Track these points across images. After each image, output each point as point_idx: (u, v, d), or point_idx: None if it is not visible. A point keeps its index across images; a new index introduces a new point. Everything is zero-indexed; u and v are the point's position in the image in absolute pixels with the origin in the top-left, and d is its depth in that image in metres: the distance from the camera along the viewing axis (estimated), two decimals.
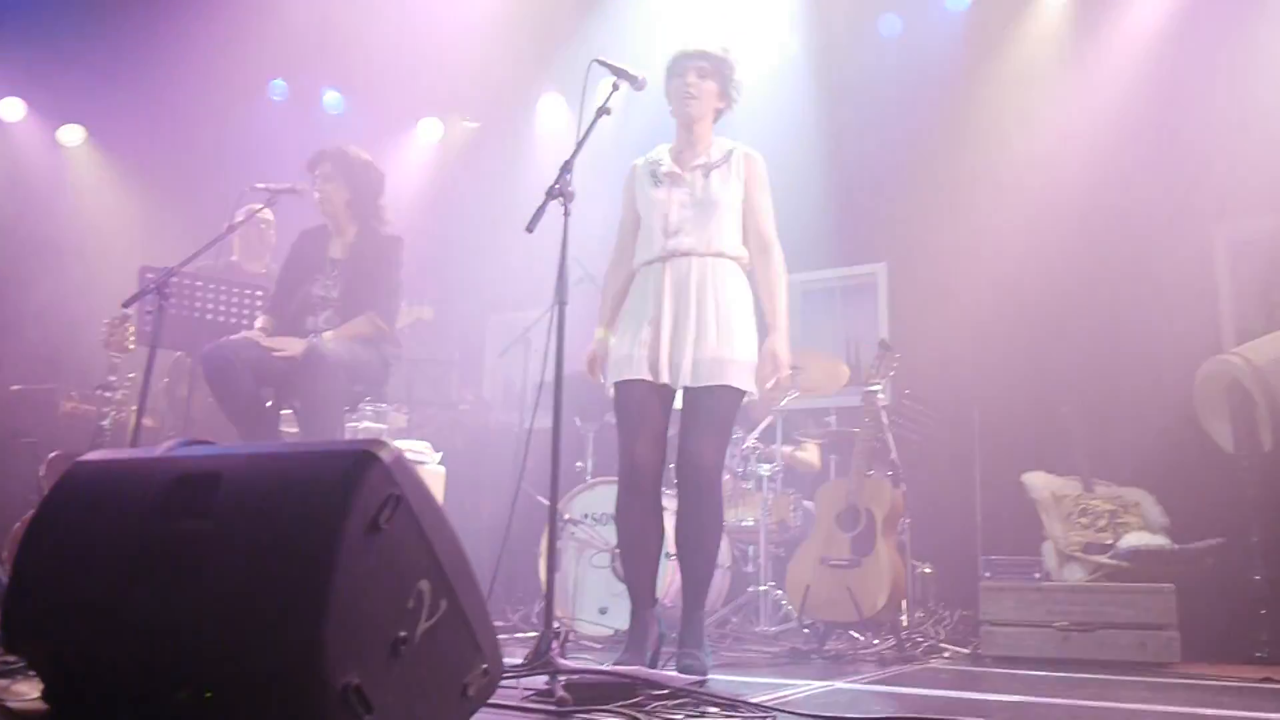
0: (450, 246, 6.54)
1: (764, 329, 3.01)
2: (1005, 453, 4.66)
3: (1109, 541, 4.12)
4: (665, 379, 2.88)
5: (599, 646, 3.78)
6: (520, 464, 2.80)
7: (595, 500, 4.23)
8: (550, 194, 2.60)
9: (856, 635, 3.80)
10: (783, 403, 4.34)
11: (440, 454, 3.94)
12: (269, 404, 3.51)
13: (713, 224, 2.96)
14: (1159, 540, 4.04)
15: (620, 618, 3.95)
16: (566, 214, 2.66)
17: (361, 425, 3.94)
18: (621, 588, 4.01)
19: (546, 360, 2.65)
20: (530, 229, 2.53)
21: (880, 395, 4.04)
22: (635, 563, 2.87)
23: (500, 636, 1.72)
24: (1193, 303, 5.11)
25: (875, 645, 3.75)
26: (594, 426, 4.77)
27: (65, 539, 1.68)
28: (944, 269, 5.54)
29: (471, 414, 5.53)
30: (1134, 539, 4.05)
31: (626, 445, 2.92)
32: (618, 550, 4.05)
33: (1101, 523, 4.25)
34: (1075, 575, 4.03)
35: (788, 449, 4.62)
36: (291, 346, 3.47)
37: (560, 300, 2.58)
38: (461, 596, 1.63)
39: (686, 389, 2.89)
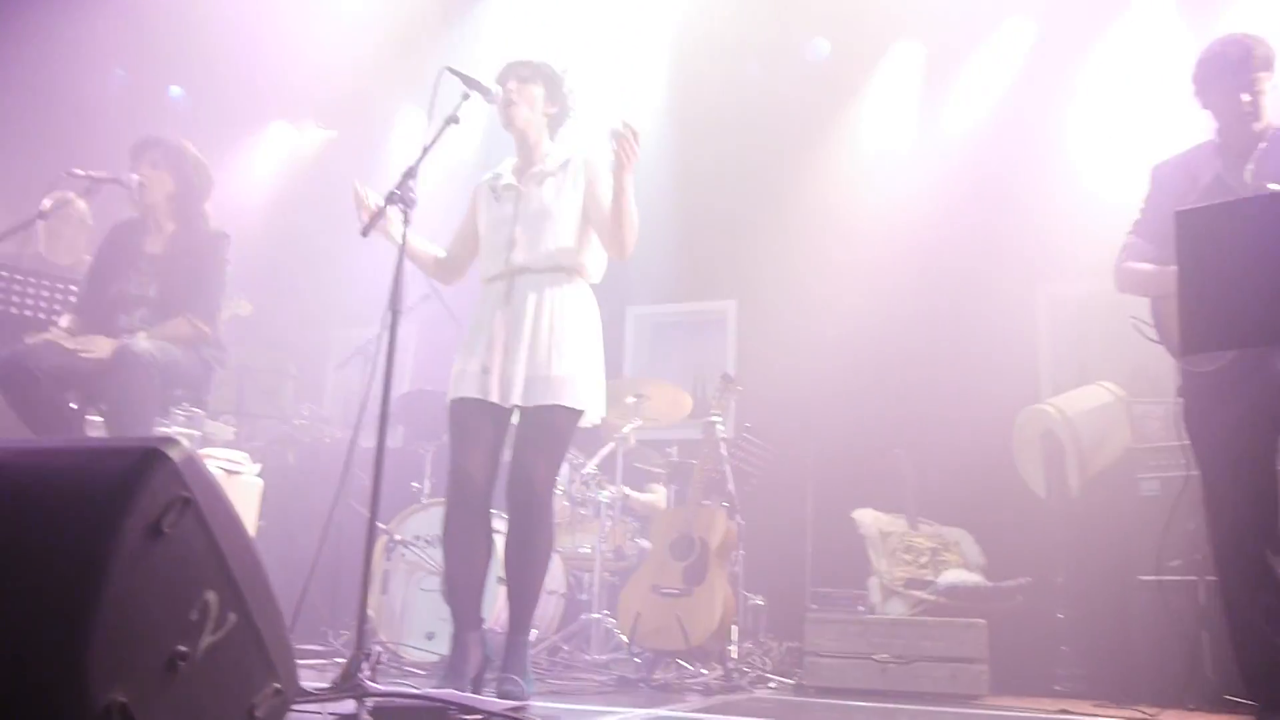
0: (294, 255, 6.30)
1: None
2: (838, 489, 4.80)
3: (930, 578, 4.28)
4: (496, 397, 2.81)
5: (423, 673, 3.64)
6: (340, 480, 2.67)
7: (428, 522, 4.11)
8: (390, 199, 2.52)
9: (685, 665, 3.80)
10: (625, 431, 4.33)
11: (259, 466, 3.74)
12: (73, 406, 3.25)
13: (547, 237, 2.89)
14: (974, 578, 4.22)
15: (449, 643, 3.83)
16: (407, 221, 2.58)
17: (172, 430, 3.69)
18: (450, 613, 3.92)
19: (376, 373, 2.55)
20: (365, 233, 2.44)
21: (720, 427, 4.08)
22: (459, 582, 2.78)
23: (320, 661, 1.61)
24: (1015, 356, 5.42)
25: (703, 675, 3.76)
26: (432, 446, 4.64)
27: None
28: (791, 309, 5.70)
29: (307, 429, 5.30)
30: (951, 576, 4.22)
31: (456, 461, 2.85)
32: None
33: (924, 559, 4.42)
34: (897, 609, 4.16)
35: (634, 493, 4.61)
36: (100, 347, 3.23)
37: (394, 308, 2.49)
38: (254, 610, 1.52)
39: (521, 409, 2.84)
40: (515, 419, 2.91)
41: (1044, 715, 3.16)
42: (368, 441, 2.53)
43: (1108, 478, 4.41)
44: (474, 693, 2.65)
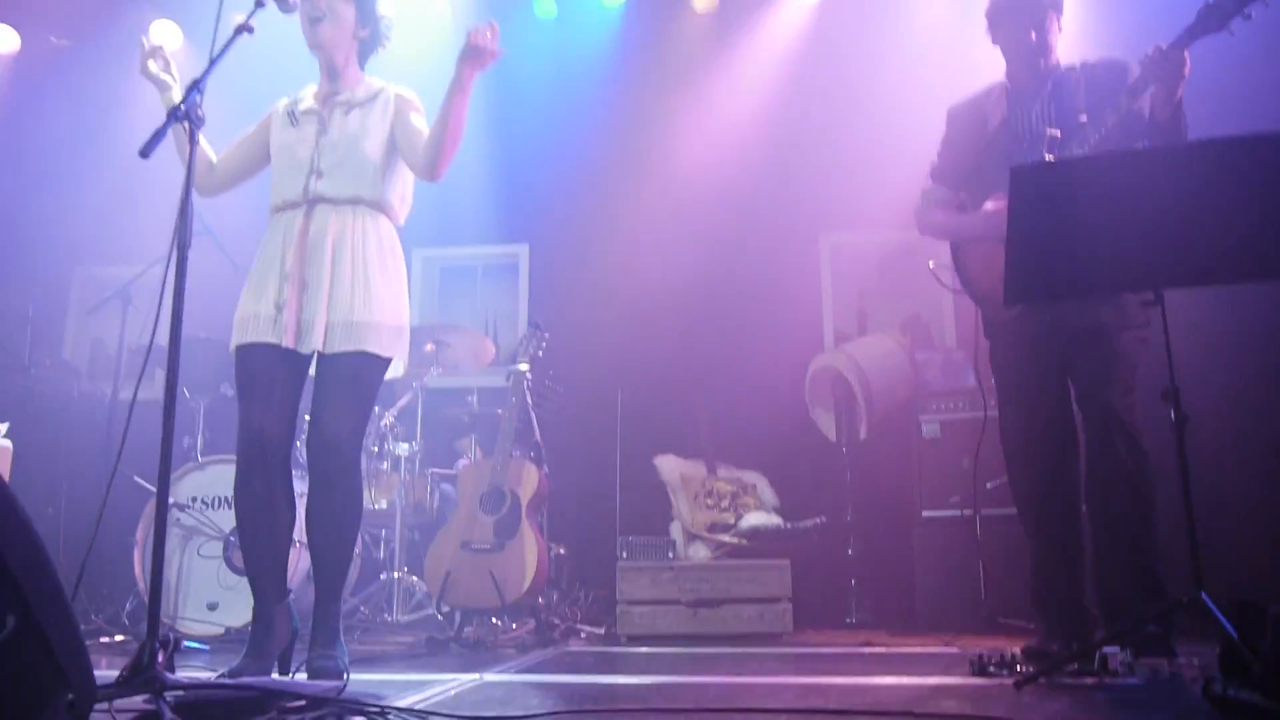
0: (22, 185, 5.50)
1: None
2: (642, 436, 4.79)
3: (731, 521, 4.36)
4: (292, 342, 2.53)
5: (206, 648, 3.31)
6: (122, 440, 2.31)
7: (207, 482, 3.73)
8: (175, 115, 2.17)
9: (495, 620, 3.68)
10: (425, 379, 4.10)
11: (6, 425, 3.23)
12: None
13: (349, 165, 2.63)
14: (774, 520, 4.34)
15: (234, 614, 3.51)
16: (193, 141, 2.24)
17: None
18: (236, 580, 3.59)
19: (161, 319, 2.22)
20: (145, 154, 2.08)
21: (528, 375, 3.94)
22: (258, 551, 2.50)
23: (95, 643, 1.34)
24: (802, 304, 5.60)
25: (514, 630, 3.65)
26: (206, 399, 4.21)
27: None
28: (589, 256, 5.60)
29: (49, 380, 4.66)
30: (752, 519, 4.32)
31: (248, 417, 2.53)
32: (234, 538, 3.62)
33: (725, 503, 4.50)
34: (700, 554, 4.21)
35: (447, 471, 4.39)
36: None
37: (182, 243, 2.16)
38: (37, 610, 1.25)
39: (320, 356, 2.57)
40: (313, 369, 2.63)
41: (849, 649, 3.29)
42: (127, 394, 2.20)
43: (893, 422, 4.65)
44: (282, 671, 2.41)
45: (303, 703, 1.79)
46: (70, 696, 1.29)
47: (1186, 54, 2.51)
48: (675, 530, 4.41)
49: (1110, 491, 2.70)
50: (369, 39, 2.79)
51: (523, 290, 6.07)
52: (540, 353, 3.94)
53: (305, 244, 2.58)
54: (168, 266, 2.22)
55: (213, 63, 2.34)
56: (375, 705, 1.84)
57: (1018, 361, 2.91)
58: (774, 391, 5.14)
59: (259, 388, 2.53)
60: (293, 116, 2.73)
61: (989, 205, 2.89)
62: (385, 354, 2.59)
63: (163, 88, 2.63)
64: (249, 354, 2.55)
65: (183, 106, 2.21)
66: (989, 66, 3.19)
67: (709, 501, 4.51)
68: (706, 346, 5.32)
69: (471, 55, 2.52)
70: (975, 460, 3.46)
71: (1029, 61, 2.88)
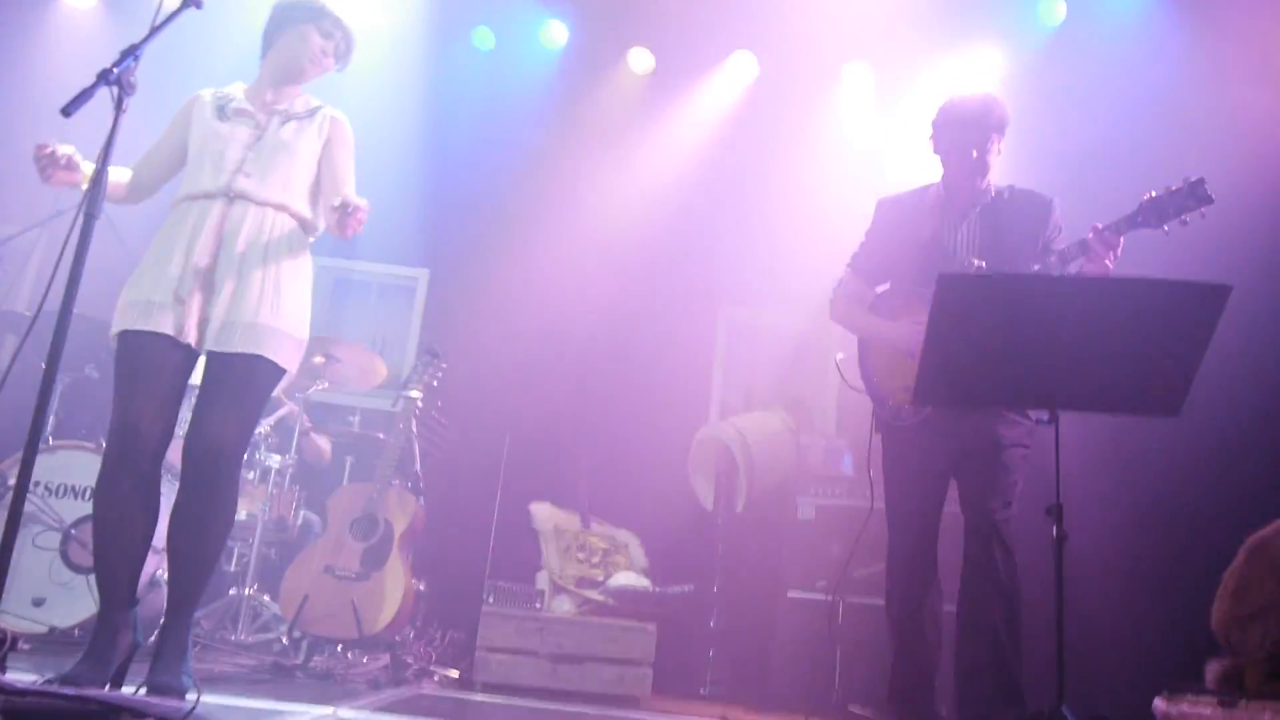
0: None
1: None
2: (520, 480, 4.71)
3: (600, 578, 4.31)
4: (189, 338, 2.40)
5: (27, 647, 3.04)
6: None
7: (56, 466, 3.46)
8: (105, 78, 2.05)
9: (345, 653, 3.51)
10: (309, 392, 3.94)
11: None
12: None
13: (279, 172, 2.57)
14: (642, 581, 4.31)
15: (63, 614, 3.25)
16: (120, 108, 2.11)
17: None
18: (70, 577, 3.34)
19: (49, 287, 2.08)
20: (68, 113, 1.96)
21: (419, 403, 3.83)
22: (114, 553, 2.32)
23: None
24: (694, 372, 5.68)
25: (365, 664, 3.49)
26: (67, 378, 3.93)
27: None
28: (490, 292, 5.54)
29: None
30: (621, 578, 4.28)
31: (127, 409, 2.36)
32: (75, 531, 3.37)
33: (595, 559, 4.45)
34: (565, 607, 4.14)
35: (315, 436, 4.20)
36: None
37: (89, 212, 2.03)
38: None
39: (212, 354, 2.44)
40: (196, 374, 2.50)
41: None
42: None
43: (770, 499, 4.71)
44: (116, 684, 2.22)
45: None
46: None
47: (1121, 239, 2.66)
48: (542, 580, 4.32)
49: (981, 597, 2.79)
50: (332, 71, 2.81)
51: (417, 315, 5.97)
52: (435, 381, 3.85)
53: (218, 237, 2.46)
54: (69, 234, 2.08)
55: (153, 31, 2.24)
56: None
57: (907, 461, 3.00)
58: (655, 453, 5.15)
59: (144, 379, 2.37)
60: (222, 111, 2.64)
61: (907, 323, 2.96)
62: (283, 364, 2.48)
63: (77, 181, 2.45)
64: (137, 341, 2.39)
65: (115, 70, 2.09)
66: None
67: (580, 555, 4.45)
68: (595, 399, 5.30)
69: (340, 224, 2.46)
70: (854, 546, 3.49)
71: (966, 178, 2.97)
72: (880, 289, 3.22)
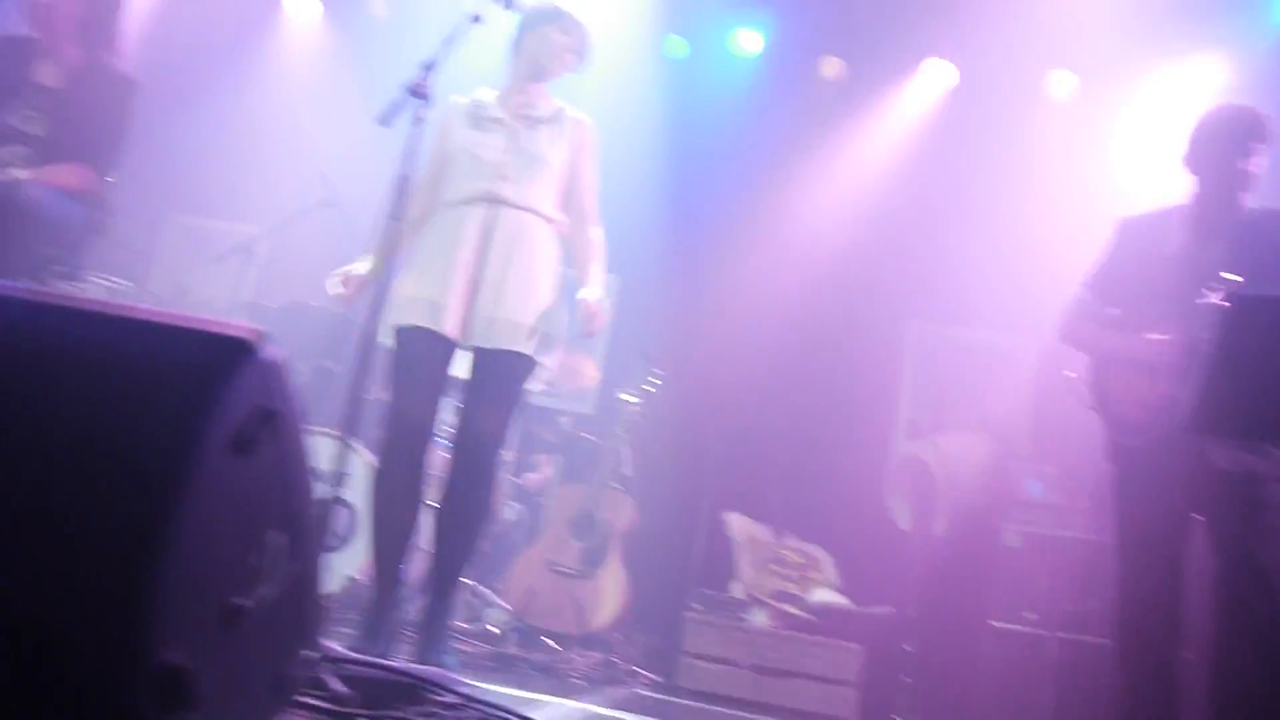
0: (165, 125, 5.55)
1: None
2: (714, 489, 4.73)
3: (798, 593, 4.28)
4: (451, 330, 2.53)
5: None
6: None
7: None
8: (414, 91, 2.19)
9: (555, 645, 3.60)
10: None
11: None
12: None
13: (534, 179, 2.69)
14: (843, 600, 4.26)
15: None
16: (420, 119, 2.25)
17: None
18: None
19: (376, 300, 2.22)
20: (386, 124, 2.10)
21: (634, 407, 3.91)
22: (389, 537, 2.47)
23: None
24: (881, 388, 5.56)
25: (576, 660, 3.57)
26: (306, 367, 4.18)
27: None
28: (682, 298, 5.58)
29: None
30: (822, 594, 4.24)
31: (403, 400, 2.52)
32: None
33: (792, 573, 4.42)
34: (759, 619, 4.13)
35: (527, 475, 4.35)
36: None
37: (394, 216, 2.17)
38: (309, 560, 1.22)
39: (478, 350, 2.57)
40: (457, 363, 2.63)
41: None
42: None
43: (971, 523, 4.57)
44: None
45: (453, 698, 1.74)
46: (307, 651, 1.25)
47: None
48: (736, 590, 4.33)
49: (1237, 647, 2.60)
50: (572, 72, 2.90)
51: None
52: (653, 389, 3.91)
53: (481, 239, 2.58)
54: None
55: (446, 45, 2.37)
56: (517, 715, 1.78)
57: (1145, 492, 2.83)
58: (843, 469, 5.09)
59: (416, 371, 2.52)
60: (476, 118, 2.77)
61: (1154, 336, 2.81)
62: (541, 360, 2.58)
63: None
64: (411, 337, 2.54)
65: (418, 84, 2.22)
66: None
67: (776, 568, 4.43)
68: (784, 411, 5.27)
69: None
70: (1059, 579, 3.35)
71: (1226, 194, 2.78)
72: (1113, 311, 3.07)
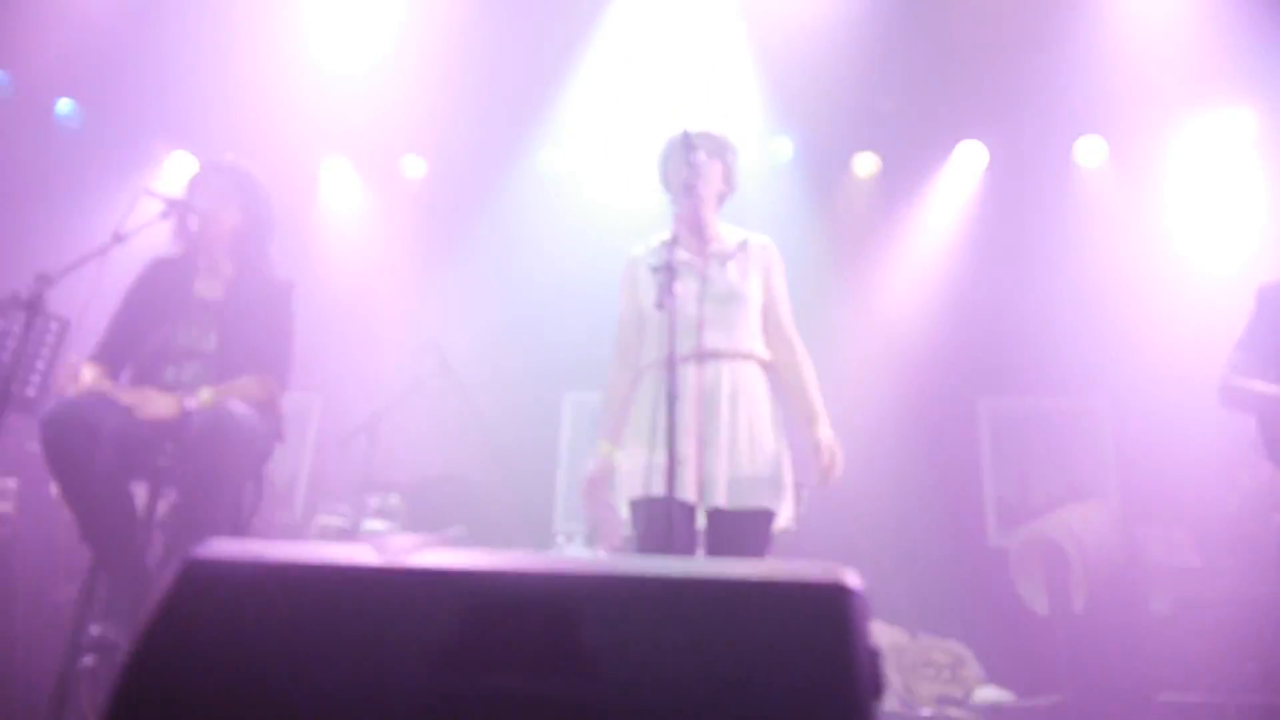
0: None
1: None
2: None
3: (959, 695, 4.18)
4: (693, 495, 2.47)
5: None
6: None
7: None
8: (662, 270, 2.19)
9: None
10: None
11: None
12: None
13: (738, 321, 2.65)
14: (1006, 694, 4.17)
15: None
16: (671, 296, 2.23)
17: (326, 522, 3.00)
18: None
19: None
20: (661, 305, 2.09)
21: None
22: None
23: None
24: (963, 468, 5.59)
25: None
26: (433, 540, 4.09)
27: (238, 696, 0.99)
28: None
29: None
30: (986, 694, 4.14)
31: None
32: None
33: (945, 674, 4.33)
34: None
35: None
36: (157, 405, 2.60)
37: (671, 395, 2.14)
38: None
39: (716, 512, 2.51)
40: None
41: None
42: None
43: (1110, 595, 4.53)
44: None
45: None
46: None
47: None
48: (891, 702, 4.22)
49: None
50: (728, 191, 2.86)
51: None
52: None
53: (700, 396, 2.54)
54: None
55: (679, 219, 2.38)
56: None
57: None
58: (946, 557, 5.06)
59: (669, 542, 2.44)
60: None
61: None
62: (780, 510, 2.54)
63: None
64: (650, 508, 2.48)
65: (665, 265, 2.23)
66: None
67: (928, 672, 4.34)
68: (874, 506, 5.24)
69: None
70: (1229, 641, 3.32)
71: None
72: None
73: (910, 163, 6.01)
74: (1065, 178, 5.80)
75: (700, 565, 1.12)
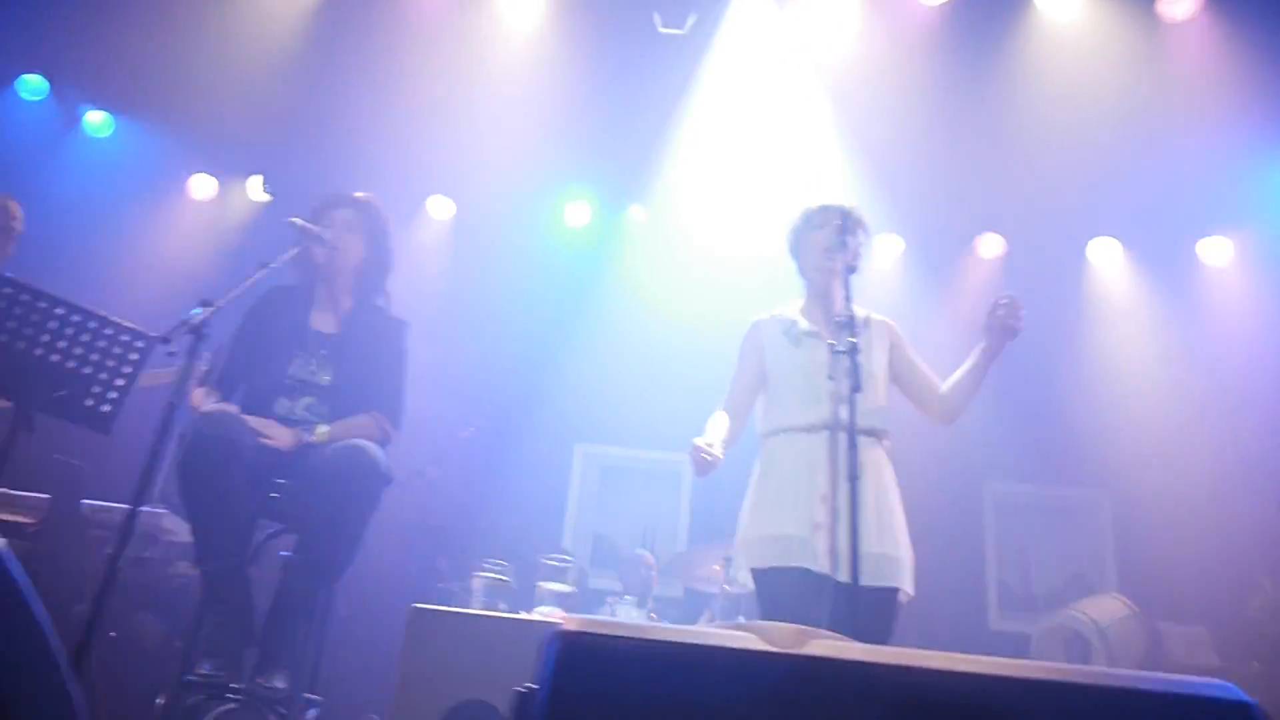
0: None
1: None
2: None
3: None
4: (828, 568, 2.44)
5: None
6: None
7: None
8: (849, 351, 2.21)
9: None
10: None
11: None
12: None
13: (867, 395, 2.58)
14: None
15: None
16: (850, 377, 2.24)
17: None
18: None
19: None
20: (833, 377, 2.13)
21: None
22: None
23: None
24: (966, 556, 5.65)
25: None
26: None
27: None
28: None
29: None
30: None
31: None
32: None
33: None
34: None
35: None
36: (280, 436, 2.54)
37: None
38: None
39: (844, 587, 2.48)
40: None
41: None
42: None
43: None
44: None
45: None
46: None
47: None
48: None
49: None
50: (855, 269, 2.83)
51: (684, 499, 6.00)
52: None
53: (832, 468, 2.52)
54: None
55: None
56: None
57: None
58: (950, 640, 5.05)
59: (802, 613, 2.41)
60: (792, 337, 2.73)
61: None
62: (907, 589, 2.54)
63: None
64: (783, 579, 2.47)
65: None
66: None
67: None
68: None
69: (999, 332, 2.64)
70: None
71: None
72: None
73: (935, 246, 6.12)
74: (1079, 274, 5.96)
75: (1113, 676, 1.12)
